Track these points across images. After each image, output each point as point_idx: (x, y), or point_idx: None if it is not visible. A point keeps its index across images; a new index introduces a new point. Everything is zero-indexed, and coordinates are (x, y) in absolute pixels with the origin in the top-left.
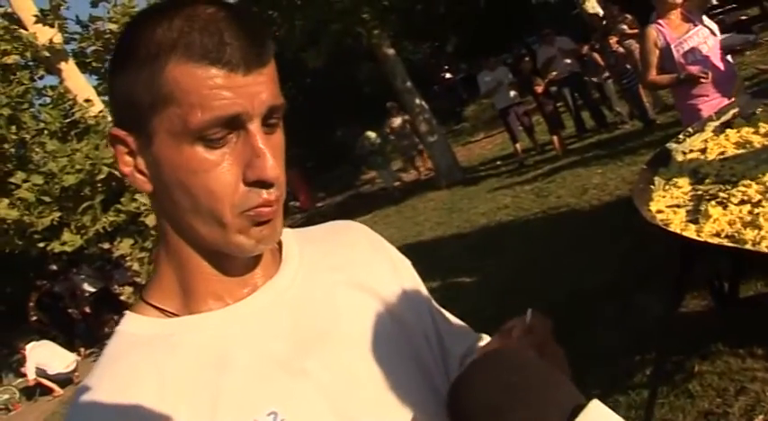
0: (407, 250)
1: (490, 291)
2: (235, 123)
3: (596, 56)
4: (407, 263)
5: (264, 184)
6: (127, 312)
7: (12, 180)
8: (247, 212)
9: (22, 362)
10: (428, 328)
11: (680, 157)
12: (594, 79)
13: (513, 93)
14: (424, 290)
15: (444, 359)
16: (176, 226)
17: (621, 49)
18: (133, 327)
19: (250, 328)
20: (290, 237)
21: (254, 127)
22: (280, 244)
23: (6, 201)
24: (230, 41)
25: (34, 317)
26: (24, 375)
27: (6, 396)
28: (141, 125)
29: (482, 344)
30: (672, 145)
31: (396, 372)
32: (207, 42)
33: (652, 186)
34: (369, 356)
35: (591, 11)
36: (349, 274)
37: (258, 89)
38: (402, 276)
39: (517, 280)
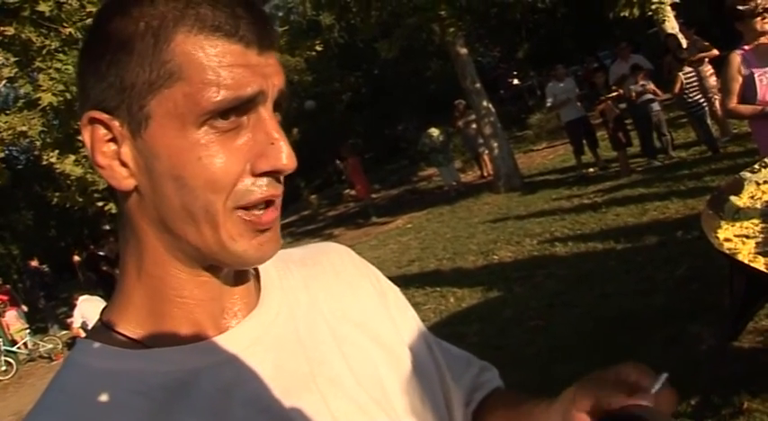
0: (458, 251)
1: (537, 301)
2: (248, 105)
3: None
4: (396, 289)
5: (276, 176)
6: (83, 339)
7: (80, 137)
8: (241, 212)
9: (69, 313)
10: (426, 360)
11: (753, 187)
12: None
13: (579, 105)
14: (416, 317)
15: (445, 391)
16: (159, 233)
17: (687, 76)
18: (90, 359)
19: (229, 370)
20: None
21: (267, 111)
22: (256, 268)
23: (72, 157)
24: (244, 16)
25: (82, 275)
26: (69, 326)
27: (51, 345)
28: (132, 107)
29: (489, 374)
30: (746, 174)
31: (381, 418)
32: (220, 14)
33: (721, 213)
34: (356, 401)
35: (670, 31)
36: (334, 306)
37: (270, 71)
38: (392, 305)
39: (566, 294)
